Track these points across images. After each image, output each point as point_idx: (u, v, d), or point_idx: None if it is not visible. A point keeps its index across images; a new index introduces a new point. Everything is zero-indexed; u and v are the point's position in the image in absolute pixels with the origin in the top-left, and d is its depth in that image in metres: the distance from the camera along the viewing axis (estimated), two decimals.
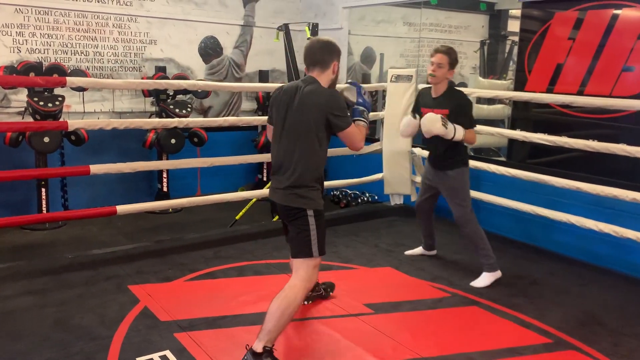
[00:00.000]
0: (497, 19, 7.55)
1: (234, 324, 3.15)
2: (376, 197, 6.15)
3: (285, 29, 5.76)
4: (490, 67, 7.56)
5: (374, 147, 5.55)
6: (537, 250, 4.59)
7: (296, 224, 2.72)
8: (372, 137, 6.51)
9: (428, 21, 7.46)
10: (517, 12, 5.12)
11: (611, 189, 3.87)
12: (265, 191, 5.15)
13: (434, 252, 4.38)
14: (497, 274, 3.88)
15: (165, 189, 5.83)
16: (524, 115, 5.01)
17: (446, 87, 3.76)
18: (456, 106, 3.69)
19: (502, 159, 5.45)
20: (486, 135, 5.27)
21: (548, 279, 3.99)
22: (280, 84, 3.42)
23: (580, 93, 4.36)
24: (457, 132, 3.60)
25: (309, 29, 5.54)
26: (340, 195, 6.43)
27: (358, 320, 3.24)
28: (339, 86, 3.00)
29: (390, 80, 5.35)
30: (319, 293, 3.47)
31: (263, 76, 6.66)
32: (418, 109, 3.98)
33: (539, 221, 4.51)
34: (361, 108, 2.87)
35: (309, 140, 2.67)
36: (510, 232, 4.89)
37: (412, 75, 5.27)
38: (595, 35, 4.31)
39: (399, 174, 5.46)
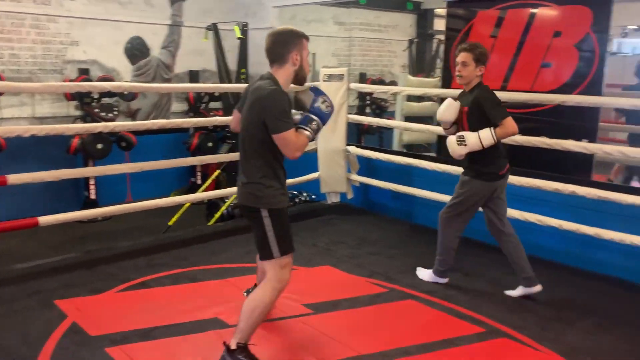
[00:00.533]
0: (424, 18, 7.76)
1: (169, 334, 3.05)
2: (313, 196, 6.16)
3: (214, 28, 5.65)
4: (419, 65, 7.76)
5: (308, 146, 5.54)
6: (470, 242, 4.71)
7: (254, 224, 2.69)
8: None
9: (358, 20, 7.56)
10: (442, 12, 5.27)
11: (535, 180, 4.06)
12: (199, 195, 5.04)
13: (539, 288, 3.58)
14: (442, 280, 3.81)
15: (93, 197, 5.58)
16: None
17: (474, 85, 3.46)
18: (473, 102, 3.38)
19: (433, 154, 5.60)
20: (416, 132, 5.41)
21: (480, 270, 4.13)
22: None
23: (503, 89, 4.53)
24: (484, 139, 3.30)
25: (239, 29, 5.46)
26: None
27: (297, 321, 3.22)
28: (298, 88, 2.86)
29: (323, 80, 5.36)
30: None
31: (193, 77, 6.51)
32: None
33: None
34: (312, 117, 2.62)
35: (257, 137, 2.59)
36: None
37: (343, 75, 5.31)
38: (515, 33, 4.49)
39: (335, 172, 5.49)
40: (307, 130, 2.60)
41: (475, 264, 4.24)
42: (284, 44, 2.62)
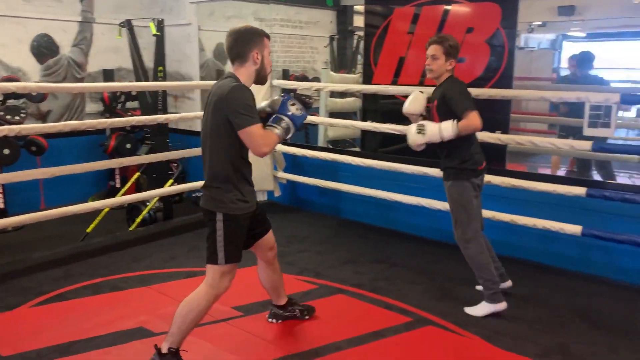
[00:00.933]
0: (344, 14, 7.84)
1: (89, 347, 2.89)
2: None
3: (127, 25, 5.41)
4: (341, 62, 7.84)
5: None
6: (395, 234, 4.84)
7: (208, 227, 2.63)
8: None
9: (278, 17, 7.52)
10: (362, 8, 5.33)
11: None
12: (118, 199, 4.82)
13: (508, 284, 3.58)
14: (499, 306, 3.28)
15: (1, 206, 5.21)
16: (373, 107, 5.24)
17: (445, 79, 3.29)
18: (441, 97, 3.21)
19: (357, 149, 5.67)
20: (341, 127, 5.45)
21: (406, 260, 4.23)
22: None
23: (421, 84, 4.65)
24: (444, 130, 3.10)
25: (154, 25, 5.26)
26: None
27: (227, 325, 3.16)
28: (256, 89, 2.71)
29: None
30: (292, 314, 3.22)
31: (108, 75, 6.22)
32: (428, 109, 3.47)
33: (395, 206, 4.75)
34: (281, 116, 2.59)
35: (217, 139, 2.52)
36: (371, 218, 5.12)
37: None
38: (431, 30, 4.61)
39: (261, 170, 5.43)
40: (276, 128, 2.56)
41: (401, 255, 4.33)
42: (244, 43, 2.57)
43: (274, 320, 3.21)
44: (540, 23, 7.55)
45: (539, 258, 4.17)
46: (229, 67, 7.21)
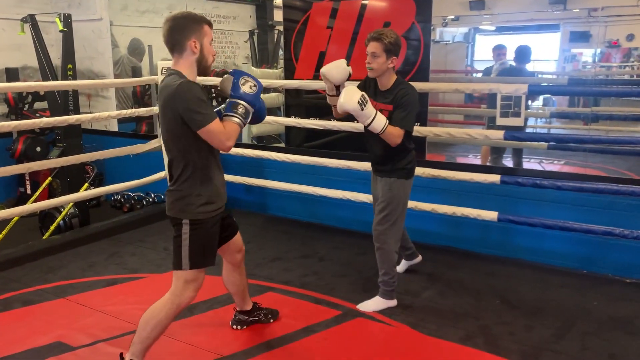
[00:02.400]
0: (263, 9, 7.78)
1: None
2: (162, 197, 5.87)
3: (31, 20, 5.06)
4: (262, 57, 7.76)
5: (152, 144, 5.25)
6: (322, 228, 4.87)
7: (174, 231, 2.50)
8: (149, 133, 6.18)
9: (196, 11, 7.31)
10: (280, 2, 5.29)
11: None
12: (29, 206, 4.51)
13: (419, 259, 3.82)
14: (392, 302, 3.35)
15: None
16: (296, 102, 5.23)
17: (394, 79, 3.16)
18: (395, 100, 3.11)
19: (282, 145, 5.65)
20: (265, 123, 5.39)
21: (333, 254, 4.26)
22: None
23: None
24: (376, 121, 2.96)
25: (60, 20, 4.96)
26: (122, 200, 5.99)
27: None
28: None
29: (161, 73, 5.10)
30: (257, 319, 3.12)
31: (11, 74, 5.82)
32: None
33: (321, 200, 4.77)
34: (236, 101, 2.42)
35: (179, 138, 2.37)
36: (297, 214, 5.11)
37: None
38: (349, 24, 4.66)
39: None
40: (235, 116, 2.41)
41: (328, 249, 4.36)
42: (180, 30, 2.38)
43: (238, 327, 3.10)
44: (453, 17, 7.84)
45: (459, 244, 4.33)
46: (144, 64, 6.97)
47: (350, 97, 2.93)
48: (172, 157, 2.46)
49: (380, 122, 2.98)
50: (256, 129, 6.20)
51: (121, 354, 2.54)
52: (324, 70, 3.19)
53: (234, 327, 3.11)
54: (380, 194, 3.28)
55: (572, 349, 2.89)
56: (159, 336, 2.54)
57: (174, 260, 2.51)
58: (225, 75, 2.54)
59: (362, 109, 2.92)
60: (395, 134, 3.03)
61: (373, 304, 3.33)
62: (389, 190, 3.24)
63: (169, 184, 2.53)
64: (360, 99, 2.92)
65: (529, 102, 5.58)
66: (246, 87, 2.47)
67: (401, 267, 3.85)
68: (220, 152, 2.49)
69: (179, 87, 2.30)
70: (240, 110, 2.43)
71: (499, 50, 5.83)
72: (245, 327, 3.11)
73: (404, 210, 3.29)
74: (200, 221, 2.47)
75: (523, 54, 5.38)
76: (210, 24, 2.50)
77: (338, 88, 3.22)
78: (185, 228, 2.45)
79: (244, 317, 3.12)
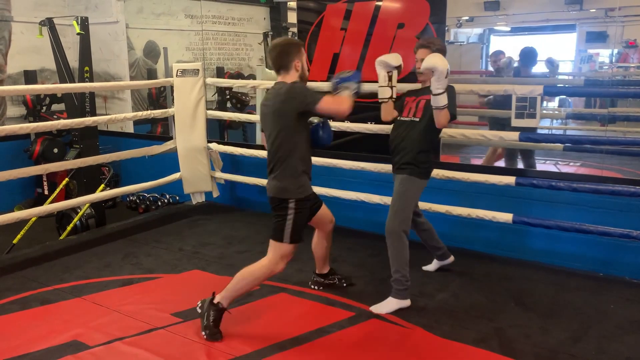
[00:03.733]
0: (277, 11, 7.80)
1: None
2: (177, 198, 5.92)
3: (49, 23, 5.14)
4: None
5: (167, 145, 5.31)
6: (336, 229, 4.80)
7: (276, 211, 3.02)
8: (165, 135, 6.24)
9: (210, 13, 7.38)
10: (294, 4, 5.31)
11: (390, 165, 4.26)
12: (46, 207, 4.58)
13: (451, 259, 3.88)
14: (405, 303, 3.34)
15: None
16: None
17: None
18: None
19: None
20: None
21: (346, 255, 4.25)
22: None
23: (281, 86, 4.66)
24: (444, 95, 3.12)
25: (78, 24, 5.02)
26: (138, 201, 6.05)
27: (166, 332, 3.07)
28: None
29: (176, 75, 5.15)
30: (332, 282, 3.60)
31: (30, 77, 5.90)
32: (400, 104, 3.53)
33: (334, 201, 4.76)
34: (340, 84, 3.00)
35: (287, 134, 2.93)
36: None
37: (198, 70, 5.14)
38: (363, 25, 4.66)
39: (198, 171, 5.32)
40: (343, 90, 2.98)
41: (341, 250, 4.36)
42: (287, 54, 2.95)
43: (315, 287, 3.59)
44: (467, 18, 7.80)
45: (474, 246, 4.30)
46: (159, 66, 7.02)
47: (442, 59, 3.12)
48: (277, 148, 2.95)
49: (445, 97, 3.17)
50: None
51: (214, 293, 3.00)
52: (380, 57, 3.46)
53: (312, 287, 3.61)
54: (394, 191, 3.42)
55: (588, 352, 2.86)
56: (246, 292, 3.08)
57: (274, 234, 3.01)
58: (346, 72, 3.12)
59: (446, 76, 3.11)
60: (446, 116, 3.24)
61: (386, 306, 3.32)
62: (401, 185, 3.38)
63: (270, 171, 3.03)
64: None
65: (545, 103, 5.52)
66: (344, 74, 3.06)
67: (433, 266, 3.94)
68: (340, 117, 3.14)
69: (290, 86, 2.91)
70: (344, 87, 3.00)
71: (495, 57, 5.72)
72: (322, 288, 3.58)
73: (412, 209, 3.44)
74: (302, 201, 3.01)
75: (528, 56, 5.29)
76: (304, 46, 3.10)
77: (391, 79, 3.49)
78: (291, 207, 2.97)
79: (321, 279, 3.60)
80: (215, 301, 2.97)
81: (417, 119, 3.38)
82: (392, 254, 3.34)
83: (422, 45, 3.42)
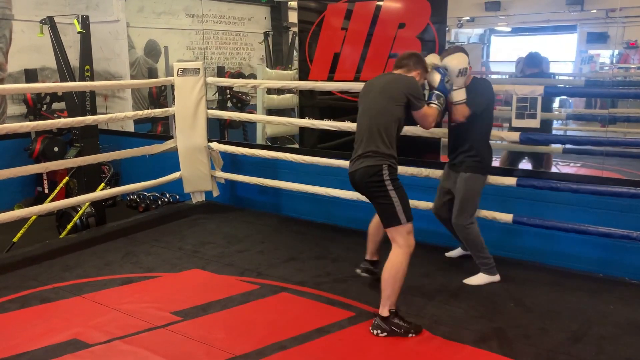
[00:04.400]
0: (278, 10, 7.80)
1: None
2: (177, 197, 5.92)
3: (50, 22, 5.14)
4: (276, 58, 7.79)
5: (167, 145, 5.30)
6: (336, 229, 4.87)
7: (376, 195, 3.08)
8: (165, 134, 6.24)
9: (211, 13, 7.38)
10: (295, 4, 5.30)
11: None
12: (46, 205, 4.57)
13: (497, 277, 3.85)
14: (495, 278, 3.69)
15: None
16: (310, 103, 5.24)
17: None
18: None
19: (296, 145, 5.66)
20: (279, 124, 5.42)
21: (347, 255, 4.25)
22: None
23: (356, 79, 4.69)
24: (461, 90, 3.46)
25: (78, 22, 5.02)
26: (138, 199, 6.06)
27: (166, 331, 3.06)
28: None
29: (177, 75, 5.15)
30: (379, 272, 3.45)
31: (30, 75, 5.90)
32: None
33: (335, 201, 4.78)
34: (439, 93, 3.34)
35: (389, 119, 3.12)
36: (311, 214, 5.12)
37: (199, 69, 5.14)
38: (364, 25, 4.66)
39: (198, 170, 5.32)
40: (435, 104, 3.32)
41: (341, 249, 4.36)
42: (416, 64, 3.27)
43: (364, 274, 3.63)
44: (468, 18, 7.79)
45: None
46: (160, 65, 7.03)
47: (457, 58, 3.42)
48: (374, 132, 3.06)
49: (461, 92, 3.47)
50: (270, 129, 6.22)
51: (376, 314, 3.01)
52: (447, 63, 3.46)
53: (360, 272, 3.64)
54: (456, 188, 3.69)
55: (588, 353, 2.86)
56: (402, 283, 3.00)
57: (388, 221, 3.05)
58: (433, 71, 3.38)
59: (459, 74, 3.42)
60: (462, 111, 3.49)
61: (477, 279, 3.68)
62: (465, 186, 3.62)
63: (363, 155, 3.09)
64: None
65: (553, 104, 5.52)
66: (447, 85, 3.37)
67: (456, 252, 4.14)
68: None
69: (412, 79, 3.18)
70: (441, 100, 3.33)
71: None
72: (370, 275, 3.61)
73: (477, 201, 3.68)
74: (396, 179, 3.07)
75: (531, 61, 5.27)
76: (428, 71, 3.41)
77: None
78: (388, 185, 3.02)
79: (370, 266, 3.64)
80: (385, 315, 2.98)
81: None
82: (468, 245, 3.75)
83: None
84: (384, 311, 2.98)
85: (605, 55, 7.02)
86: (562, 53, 7.27)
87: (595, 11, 6.79)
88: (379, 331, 2.99)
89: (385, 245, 3.35)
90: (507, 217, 3.84)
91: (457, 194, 3.66)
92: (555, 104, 6.71)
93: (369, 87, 3.28)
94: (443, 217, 3.90)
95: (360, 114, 3.23)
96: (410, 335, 2.99)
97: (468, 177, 3.61)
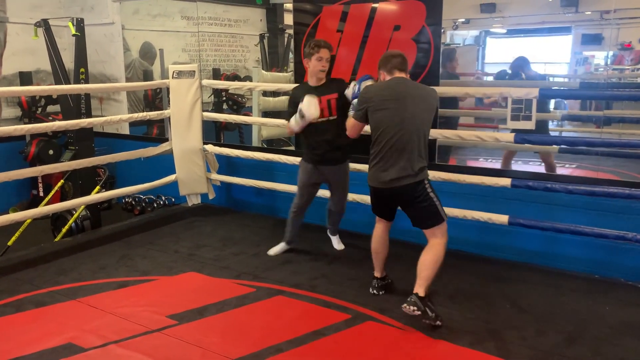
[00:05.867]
0: (274, 12, 7.79)
1: None
2: (173, 200, 5.91)
3: (44, 25, 5.13)
4: (272, 60, 7.78)
5: (163, 147, 5.29)
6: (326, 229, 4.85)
7: (418, 195, 3.23)
8: (160, 136, 6.23)
9: (207, 15, 7.37)
10: (291, 6, 5.30)
11: None
12: (41, 209, 4.56)
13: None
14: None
15: None
16: None
17: (325, 76, 3.95)
18: (342, 90, 3.84)
19: (292, 148, 5.65)
20: (275, 127, 5.41)
21: (343, 257, 4.26)
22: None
23: (352, 81, 4.68)
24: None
25: (73, 25, 5.01)
26: (134, 202, 6.04)
27: (161, 335, 3.05)
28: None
29: (172, 77, 5.14)
30: (390, 282, 3.63)
31: (25, 78, 5.89)
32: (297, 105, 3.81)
33: None
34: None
35: (427, 126, 3.32)
36: (307, 217, 5.08)
37: (194, 71, 5.13)
38: (359, 28, 4.67)
39: (193, 172, 5.31)
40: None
41: (338, 252, 4.36)
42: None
43: (380, 292, 3.57)
44: (464, 20, 7.80)
45: (469, 248, 4.31)
46: (155, 67, 7.00)
47: (315, 105, 3.69)
48: (421, 140, 3.20)
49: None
50: (266, 132, 6.21)
51: (414, 292, 3.07)
52: (307, 113, 3.69)
53: (376, 292, 3.57)
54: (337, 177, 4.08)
55: (583, 354, 2.86)
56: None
57: (432, 221, 3.22)
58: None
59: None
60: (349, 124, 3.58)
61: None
62: (343, 174, 4.09)
63: (411, 165, 3.17)
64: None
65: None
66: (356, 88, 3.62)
67: (335, 241, 4.53)
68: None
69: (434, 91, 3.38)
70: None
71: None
72: (382, 292, 3.57)
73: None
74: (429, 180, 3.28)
75: (518, 65, 5.56)
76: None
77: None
78: (428, 189, 3.21)
79: (383, 282, 3.59)
80: (423, 294, 3.06)
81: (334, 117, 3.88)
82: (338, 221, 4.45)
83: (327, 46, 3.90)
84: (420, 291, 3.06)
85: (600, 57, 7.04)
86: (557, 54, 7.29)
87: (589, 13, 6.81)
88: (415, 308, 3.02)
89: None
90: (502, 219, 3.84)
91: (340, 182, 4.09)
92: (551, 106, 6.74)
93: (395, 94, 3.23)
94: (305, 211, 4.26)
95: (395, 122, 3.17)
96: (437, 322, 3.07)
97: (346, 165, 4.06)
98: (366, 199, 4.32)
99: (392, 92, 3.25)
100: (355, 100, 3.50)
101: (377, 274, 3.57)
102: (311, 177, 4.08)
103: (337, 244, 4.47)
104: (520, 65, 5.60)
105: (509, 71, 5.74)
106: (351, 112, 3.54)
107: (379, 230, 3.48)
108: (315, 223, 5.02)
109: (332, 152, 3.93)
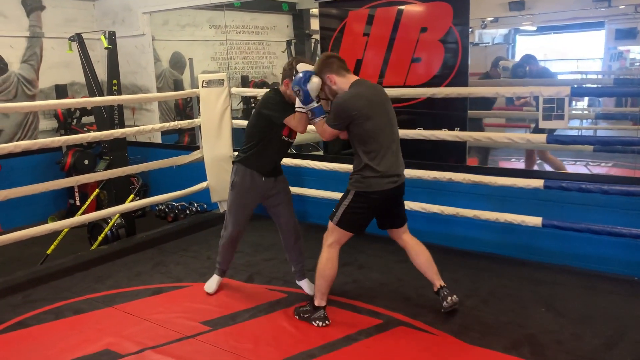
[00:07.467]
0: (300, 18, 7.84)
1: None
2: (205, 207, 5.99)
3: (78, 38, 5.28)
4: None
5: (194, 155, 5.38)
6: (361, 236, 4.83)
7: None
8: (192, 144, 6.33)
9: (234, 23, 7.46)
10: (317, 11, 5.33)
11: (414, 170, 4.24)
12: (78, 218, 4.69)
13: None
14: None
15: None
16: None
17: None
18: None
19: (320, 152, 5.67)
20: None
21: (373, 262, 4.24)
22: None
23: (380, 84, 4.67)
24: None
25: (105, 38, 5.14)
26: (167, 210, 6.15)
27: (195, 341, 3.10)
28: None
29: (202, 86, 5.22)
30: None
31: (60, 91, 6.07)
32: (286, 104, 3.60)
33: None
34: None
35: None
36: None
37: (223, 80, 5.20)
38: (386, 31, 4.66)
39: (224, 179, 5.36)
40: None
41: (368, 257, 4.35)
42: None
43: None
44: (492, 19, 7.70)
45: (502, 251, 4.24)
46: (185, 76, 7.11)
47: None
48: (398, 141, 3.23)
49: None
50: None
51: (444, 286, 3.27)
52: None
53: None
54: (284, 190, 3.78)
55: (623, 359, 2.78)
56: None
57: (404, 215, 3.52)
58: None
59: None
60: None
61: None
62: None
63: (401, 166, 3.26)
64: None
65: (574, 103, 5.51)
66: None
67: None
68: None
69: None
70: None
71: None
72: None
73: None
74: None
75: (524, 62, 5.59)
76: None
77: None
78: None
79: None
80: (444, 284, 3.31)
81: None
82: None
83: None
84: (442, 281, 3.32)
85: (635, 52, 6.85)
86: (590, 50, 7.12)
87: (623, 7, 6.63)
88: (453, 296, 3.27)
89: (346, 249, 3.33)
90: (536, 221, 3.77)
91: (286, 195, 3.81)
92: (584, 103, 6.58)
93: (374, 97, 3.13)
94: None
95: (385, 123, 3.15)
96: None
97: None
98: None
99: (373, 98, 3.12)
100: (297, 88, 3.15)
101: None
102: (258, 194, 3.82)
103: (308, 288, 3.73)
104: (524, 65, 5.53)
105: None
106: (320, 118, 3.24)
107: (337, 254, 3.35)
108: None
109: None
